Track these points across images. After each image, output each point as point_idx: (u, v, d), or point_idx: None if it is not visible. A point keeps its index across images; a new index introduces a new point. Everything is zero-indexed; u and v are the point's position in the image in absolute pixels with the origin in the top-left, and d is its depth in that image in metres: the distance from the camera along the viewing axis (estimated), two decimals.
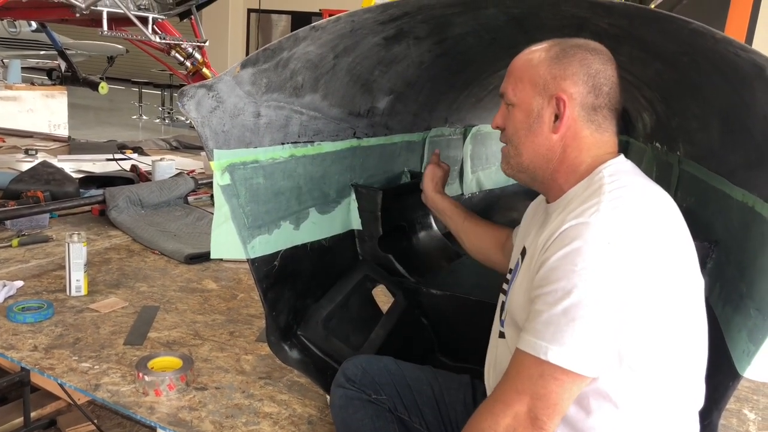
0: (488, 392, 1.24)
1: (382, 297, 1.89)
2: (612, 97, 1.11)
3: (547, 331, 0.95)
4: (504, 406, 0.98)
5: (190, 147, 5.24)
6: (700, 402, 1.08)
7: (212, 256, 1.42)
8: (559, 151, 1.11)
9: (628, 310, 0.94)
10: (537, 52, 1.13)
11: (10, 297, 2.05)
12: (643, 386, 0.99)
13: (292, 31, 1.33)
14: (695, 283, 1.04)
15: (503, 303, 1.23)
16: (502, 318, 1.22)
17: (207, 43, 4.08)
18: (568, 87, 1.09)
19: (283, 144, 1.52)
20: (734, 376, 1.11)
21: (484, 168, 2.88)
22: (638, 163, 2.39)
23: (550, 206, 1.17)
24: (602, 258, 0.94)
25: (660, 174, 1.96)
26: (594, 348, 0.94)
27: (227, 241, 1.40)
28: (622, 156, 1.12)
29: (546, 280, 0.98)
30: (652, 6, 1.35)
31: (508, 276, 1.27)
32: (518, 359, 1.00)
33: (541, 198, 1.30)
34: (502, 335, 1.21)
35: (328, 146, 1.69)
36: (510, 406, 0.97)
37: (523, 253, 1.20)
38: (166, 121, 11.54)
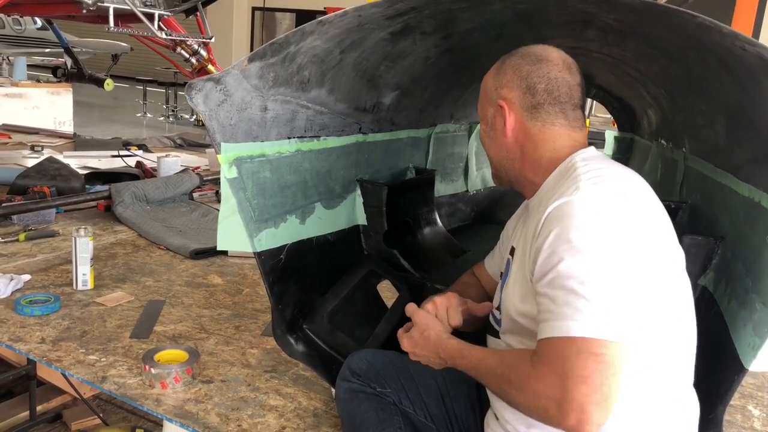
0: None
1: (387, 292, 1.90)
2: (552, 92, 1.17)
3: (570, 309, 0.93)
4: (547, 388, 0.92)
5: (195, 145, 5.24)
6: (691, 377, 1.09)
7: (218, 248, 1.43)
8: (518, 152, 1.20)
9: (630, 271, 0.95)
10: (494, 67, 1.24)
11: (17, 290, 2.06)
12: (640, 359, 0.98)
13: None
14: (676, 256, 1.07)
15: (499, 305, 1.25)
16: (497, 317, 1.24)
17: (213, 40, 4.09)
18: (506, 94, 1.19)
19: (289, 138, 1.53)
20: (739, 369, 1.12)
21: (488, 165, 2.88)
22: (643, 160, 2.42)
23: (530, 202, 1.22)
24: (592, 228, 0.96)
25: (665, 171, 1.96)
26: (617, 311, 0.92)
27: (233, 233, 1.41)
28: (592, 147, 1.17)
29: (547, 266, 0.98)
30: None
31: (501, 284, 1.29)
32: (551, 345, 0.95)
33: (525, 200, 1.35)
34: (494, 333, 1.24)
35: (334, 141, 1.69)
36: (553, 389, 0.91)
37: (512, 252, 1.23)
38: (171, 119, 11.56)
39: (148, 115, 11.73)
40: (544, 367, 0.94)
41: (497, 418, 1.17)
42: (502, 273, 1.30)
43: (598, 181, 1.03)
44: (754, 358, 1.08)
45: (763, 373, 1.87)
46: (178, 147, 5.16)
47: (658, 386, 1.03)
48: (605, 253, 0.94)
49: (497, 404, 1.17)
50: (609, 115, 3.90)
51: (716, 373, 1.14)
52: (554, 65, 1.17)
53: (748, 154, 1.21)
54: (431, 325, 1.24)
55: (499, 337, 1.21)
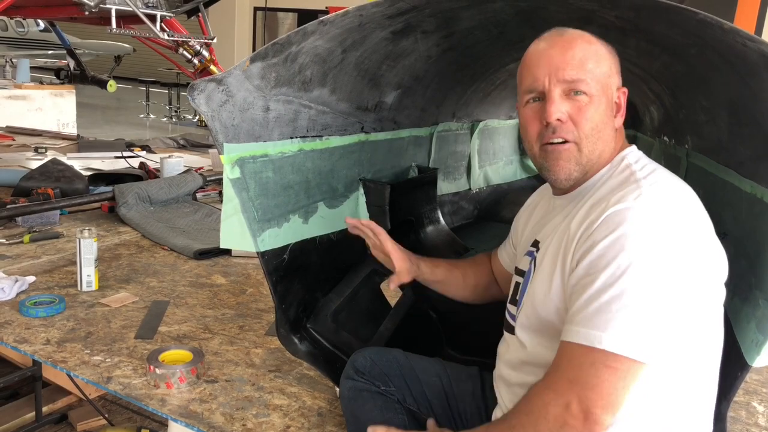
0: (495, 383, 1.24)
1: (390, 291, 1.90)
2: None
3: (599, 319, 0.92)
4: (555, 395, 0.94)
5: (198, 145, 5.26)
6: (714, 394, 1.08)
7: (221, 246, 1.44)
8: (610, 139, 1.14)
9: (677, 293, 0.93)
10: (595, 43, 1.12)
11: (22, 292, 2.07)
12: (675, 375, 0.98)
13: None
14: (721, 271, 1.04)
15: (515, 299, 1.23)
16: (514, 314, 1.22)
17: (215, 40, 4.10)
18: (618, 80, 1.15)
19: (291, 138, 1.53)
20: (743, 366, 1.12)
21: (491, 163, 2.88)
22: None
23: (564, 197, 1.18)
24: (651, 241, 0.94)
25: (668, 167, 1.94)
26: (649, 332, 0.91)
27: (236, 233, 1.42)
28: (634, 146, 1.15)
29: (593, 269, 0.96)
30: None
31: (519, 278, 1.26)
32: (568, 350, 0.95)
33: (541, 192, 1.32)
34: (510, 330, 1.22)
35: (336, 141, 1.69)
36: (561, 396, 0.93)
37: (535, 245, 1.20)
38: (173, 119, 11.59)
39: (151, 116, 11.77)
40: (556, 374, 0.96)
41: None
42: (517, 267, 1.28)
43: (659, 189, 1.01)
44: (758, 355, 1.08)
45: (767, 369, 1.86)
46: (181, 148, 5.17)
47: (682, 406, 1.02)
48: (656, 270, 0.92)
49: (506, 404, 1.17)
50: None
51: (720, 369, 1.14)
52: None
53: (751, 151, 1.21)
54: None
55: (514, 333, 1.19)
